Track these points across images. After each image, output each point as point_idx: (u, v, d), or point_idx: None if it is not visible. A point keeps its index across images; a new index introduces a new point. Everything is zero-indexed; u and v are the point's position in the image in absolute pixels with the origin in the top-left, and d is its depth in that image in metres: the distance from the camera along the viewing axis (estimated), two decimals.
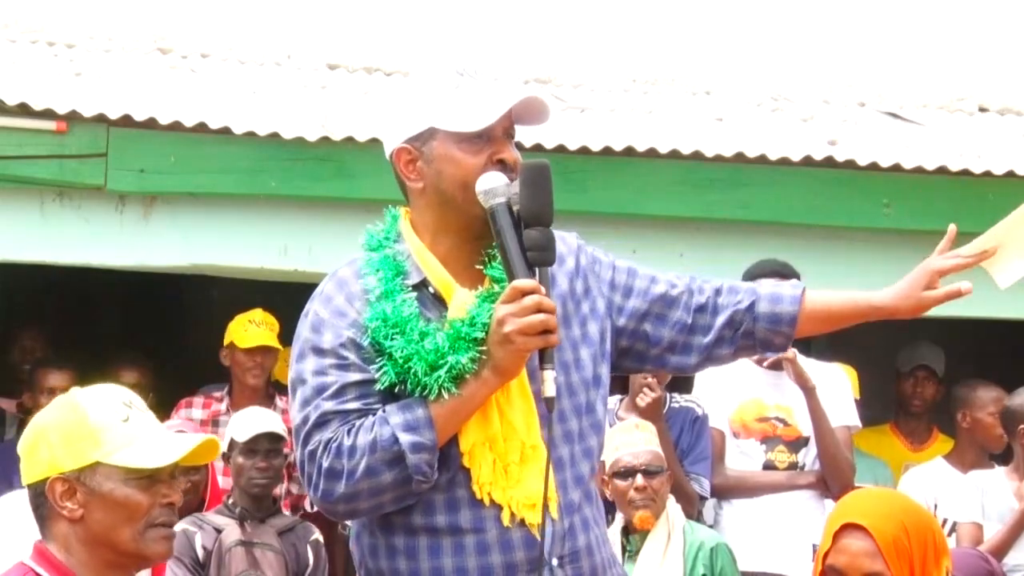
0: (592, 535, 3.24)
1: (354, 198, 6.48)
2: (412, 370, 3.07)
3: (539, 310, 3.02)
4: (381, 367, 3.09)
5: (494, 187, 3.10)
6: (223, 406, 6.67)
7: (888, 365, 7.31)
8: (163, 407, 6.82)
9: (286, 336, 6.87)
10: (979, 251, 3.34)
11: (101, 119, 6.36)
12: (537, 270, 3.07)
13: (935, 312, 7.49)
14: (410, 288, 3.15)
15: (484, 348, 3.07)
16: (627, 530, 5.36)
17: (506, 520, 3.11)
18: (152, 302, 8.85)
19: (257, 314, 6.74)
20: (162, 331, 8.93)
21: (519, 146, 3.23)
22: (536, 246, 3.07)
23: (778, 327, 3.35)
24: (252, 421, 5.96)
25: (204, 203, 6.54)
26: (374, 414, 3.08)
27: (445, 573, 3.12)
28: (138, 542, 2.81)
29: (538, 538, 3.12)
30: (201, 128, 6.38)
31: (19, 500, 3.22)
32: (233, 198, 6.55)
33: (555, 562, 3.15)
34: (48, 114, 6.34)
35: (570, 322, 3.24)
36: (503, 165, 3.14)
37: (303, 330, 3.19)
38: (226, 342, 6.72)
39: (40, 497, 2.83)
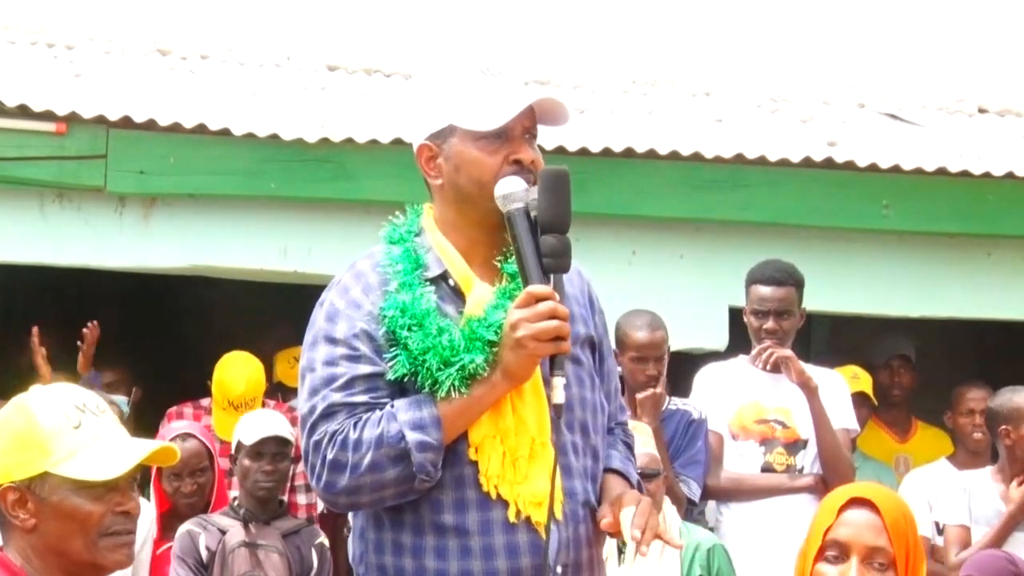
0: (595, 553, 3.23)
1: (354, 199, 6.49)
2: (427, 364, 3.06)
3: (552, 316, 3.00)
4: (394, 357, 3.08)
5: (512, 192, 3.09)
6: (212, 419, 6.61)
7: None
8: (162, 408, 6.82)
9: (285, 337, 6.90)
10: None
11: (101, 120, 6.36)
12: (552, 277, 3.05)
13: (934, 312, 7.45)
14: (428, 282, 3.14)
15: (496, 351, 3.05)
16: None
17: (512, 516, 3.09)
18: (152, 303, 8.85)
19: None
20: (161, 332, 8.93)
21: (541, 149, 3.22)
22: (552, 252, 3.05)
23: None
24: (259, 424, 5.94)
25: (204, 204, 6.54)
26: (381, 408, 3.07)
27: (449, 575, 3.09)
28: (92, 552, 2.71)
29: (543, 543, 3.09)
30: (201, 129, 6.38)
31: None
32: (233, 199, 6.55)
33: (559, 570, 3.12)
34: (48, 115, 6.34)
35: (579, 338, 3.22)
36: (519, 165, 3.12)
37: (317, 319, 3.18)
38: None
39: None
